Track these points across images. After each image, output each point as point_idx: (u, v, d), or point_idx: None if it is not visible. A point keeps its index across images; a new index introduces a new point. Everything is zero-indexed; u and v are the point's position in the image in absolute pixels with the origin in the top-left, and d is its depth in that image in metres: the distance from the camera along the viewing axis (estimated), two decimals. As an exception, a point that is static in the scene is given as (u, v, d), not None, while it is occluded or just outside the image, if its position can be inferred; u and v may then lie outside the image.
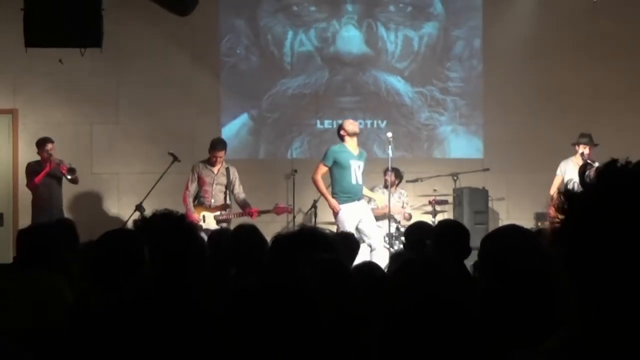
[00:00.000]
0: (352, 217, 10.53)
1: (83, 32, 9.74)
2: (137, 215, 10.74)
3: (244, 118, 13.64)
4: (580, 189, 1.70)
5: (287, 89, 13.66)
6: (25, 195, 12.58)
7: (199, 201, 11.25)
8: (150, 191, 11.18)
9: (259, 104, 13.59)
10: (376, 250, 10.41)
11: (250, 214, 11.15)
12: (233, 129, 13.58)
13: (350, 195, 10.61)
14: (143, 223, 4.26)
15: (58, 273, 4.42)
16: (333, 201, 10.59)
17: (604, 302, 1.69)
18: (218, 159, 11.23)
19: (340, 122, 11.27)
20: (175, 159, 11.34)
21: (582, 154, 11.31)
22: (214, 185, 11.25)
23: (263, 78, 13.62)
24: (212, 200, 11.24)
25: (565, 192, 1.71)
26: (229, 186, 11.37)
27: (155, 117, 13.05)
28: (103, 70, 12.74)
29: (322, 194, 10.86)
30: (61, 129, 12.63)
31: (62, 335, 3.57)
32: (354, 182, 10.66)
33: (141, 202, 10.91)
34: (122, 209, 12.47)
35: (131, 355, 3.34)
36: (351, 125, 10.83)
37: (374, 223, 10.77)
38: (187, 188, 11.19)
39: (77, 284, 4.60)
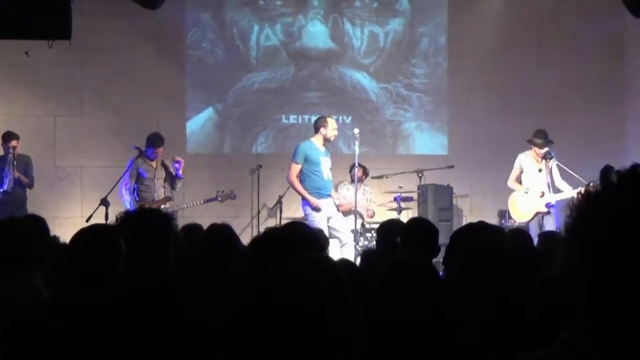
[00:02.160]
0: (322, 213, 10.53)
1: (51, 25, 9.61)
2: (102, 209, 10.65)
3: (209, 112, 13.58)
4: (599, 189, 1.69)
5: (252, 84, 13.62)
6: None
7: (141, 196, 11.25)
8: (115, 185, 11.06)
9: (224, 98, 13.54)
10: (346, 244, 10.43)
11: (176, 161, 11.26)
12: (198, 123, 13.53)
13: (320, 191, 10.60)
14: (124, 217, 4.25)
15: (32, 269, 4.37)
16: (313, 199, 10.52)
17: (615, 304, 1.69)
18: (158, 154, 11.24)
19: (320, 117, 11.22)
20: (141, 152, 11.25)
21: (547, 152, 11.32)
22: (155, 179, 11.26)
23: (228, 72, 13.56)
24: (155, 195, 11.24)
25: (586, 192, 1.70)
26: (167, 179, 11.39)
27: (120, 110, 12.95)
28: (68, 63, 12.61)
29: (301, 194, 10.68)
30: (24, 121, 12.50)
31: (41, 331, 3.52)
32: (325, 178, 10.67)
33: (106, 196, 10.79)
34: (86, 202, 12.35)
35: (111, 351, 3.31)
36: (334, 131, 10.84)
37: (342, 218, 10.82)
38: (126, 184, 11.17)
39: (50, 279, 4.55)
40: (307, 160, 10.62)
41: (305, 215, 10.61)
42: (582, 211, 1.70)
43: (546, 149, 11.31)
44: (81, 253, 4.02)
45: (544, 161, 11.31)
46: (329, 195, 10.78)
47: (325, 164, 10.71)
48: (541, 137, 11.35)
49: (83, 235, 4.12)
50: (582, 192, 1.71)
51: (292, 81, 13.70)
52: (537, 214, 11.24)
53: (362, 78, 13.81)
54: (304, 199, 10.60)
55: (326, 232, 10.31)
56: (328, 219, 10.55)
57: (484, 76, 13.59)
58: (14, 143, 11.71)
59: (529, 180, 11.39)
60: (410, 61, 13.93)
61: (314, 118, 13.46)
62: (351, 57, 13.82)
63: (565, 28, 13.56)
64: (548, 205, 11.16)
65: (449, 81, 13.83)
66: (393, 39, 13.90)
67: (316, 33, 13.77)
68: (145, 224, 4.19)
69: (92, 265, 3.96)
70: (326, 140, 10.78)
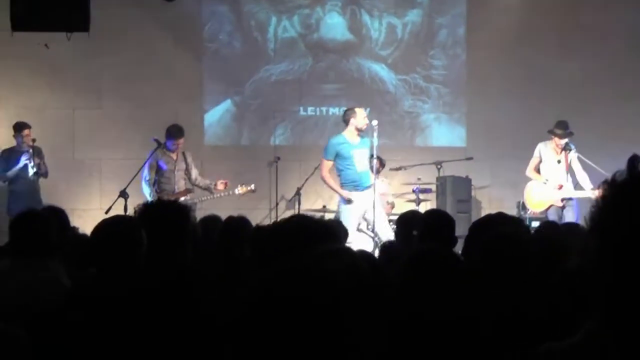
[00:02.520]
0: (355, 206, 10.44)
1: (70, 17, 9.65)
2: (121, 201, 10.67)
3: (227, 104, 13.59)
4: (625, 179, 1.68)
5: (270, 75, 13.61)
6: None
7: (161, 188, 11.26)
8: (134, 177, 11.07)
9: (242, 90, 13.54)
10: (383, 239, 10.26)
11: (225, 185, 11.28)
12: (216, 115, 13.54)
13: (355, 184, 10.51)
14: (143, 209, 4.26)
15: (53, 260, 4.39)
16: (345, 192, 10.48)
17: (637, 296, 1.67)
18: (178, 146, 11.27)
19: (347, 109, 11.07)
20: (160, 145, 11.26)
21: (567, 143, 11.28)
22: (176, 171, 11.28)
23: (246, 64, 13.56)
24: (175, 187, 11.26)
25: (613, 182, 1.68)
26: (187, 171, 11.43)
27: (138, 103, 12.97)
28: (86, 55, 12.64)
29: (332, 189, 10.73)
30: (43, 113, 12.54)
31: (62, 321, 3.54)
32: (358, 170, 10.52)
33: (125, 188, 10.81)
34: (105, 194, 12.38)
35: (131, 341, 3.32)
36: (365, 119, 10.68)
37: (382, 213, 10.63)
38: (145, 176, 11.18)
39: (69, 270, 4.57)
40: (338, 155, 10.54)
41: (338, 207, 10.65)
42: (607, 200, 1.69)
43: (566, 140, 11.28)
44: (103, 244, 4.03)
45: (563, 153, 11.29)
46: (367, 188, 10.47)
47: (359, 156, 10.53)
48: (562, 128, 11.32)
49: (105, 227, 4.11)
50: (608, 180, 1.69)
51: (310, 73, 13.68)
52: (551, 206, 11.23)
53: (380, 69, 13.78)
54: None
55: (353, 227, 10.29)
56: (364, 212, 10.50)
57: (502, 67, 13.54)
58: (27, 132, 11.74)
59: (547, 171, 11.37)
60: (428, 52, 13.88)
61: (332, 110, 13.52)
62: (369, 48, 13.79)
63: (585, 19, 13.47)
64: (563, 199, 11.15)
65: (468, 72, 13.78)
66: (411, 30, 13.86)
67: (334, 25, 13.74)
68: (163, 216, 4.19)
69: (113, 256, 3.96)
70: (358, 130, 10.65)
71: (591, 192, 10.76)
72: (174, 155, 11.32)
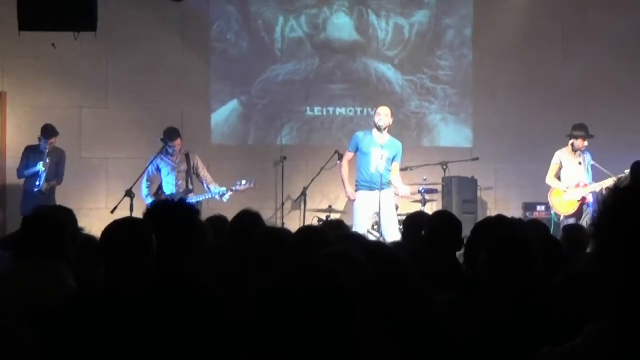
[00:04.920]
0: (365, 206, 10.48)
1: (78, 16, 9.64)
2: (127, 200, 10.71)
3: (233, 104, 13.59)
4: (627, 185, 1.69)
5: (277, 76, 13.62)
6: (13, 178, 12.54)
7: (162, 189, 11.35)
8: (140, 177, 11.12)
9: (249, 90, 13.55)
10: (388, 240, 10.18)
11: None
12: (223, 115, 13.55)
13: (367, 183, 10.54)
14: (152, 210, 4.26)
15: (61, 261, 4.35)
16: (348, 189, 10.68)
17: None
18: (176, 147, 11.34)
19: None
20: (167, 144, 11.30)
21: (580, 148, 11.27)
22: (176, 172, 11.33)
23: (253, 64, 13.57)
24: (175, 188, 11.32)
25: (616, 187, 1.70)
26: (190, 172, 11.50)
27: (145, 102, 12.98)
28: (93, 54, 12.66)
29: (342, 181, 10.85)
30: (50, 112, 12.55)
31: (68, 322, 3.54)
32: (372, 170, 10.48)
33: (131, 188, 10.87)
34: (111, 194, 12.40)
35: (139, 342, 3.32)
36: (378, 117, 10.73)
37: (391, 215, 10.57)
38: (145, 182, 11.27)
39: (76, 271, 4.56)
40: (359, 149, 10.66)
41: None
42: (611, 206, 1.70)
43: (586, 144, 11.26)
44: (113, 248, 3.99)
45: (582, 155, 11.26)
46: (381, 189, 10.36)
47: (377, 156, 10.46)
48: (584, 130, 11.31)
49: (115, 230, 4.06)
50: (611, 187, 1.72)
51: (317, 73, 13.69)
52: (583, 202, 11.16)
53: (387, 70, 13.79)
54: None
55: (362, 227, 10.27)
56: (375, 214, 10.52)
57: (509, 69, 13.55)
58: (53, 140, 11.78)
59: (570, 175, 11.30)
60: (435, 53, 13.89)
61: (339, 110, 13.58)
62: (376, 49, 13.80)
63: (591, 21, 13.48)
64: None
65: (474, 73, 13.79)
66: (418, 31, 13.86)
67: (341, 25, 13.75)
68: (171, 218, 4.19)
69: (123, 260, 3.93)
70: (377, 128, 10.69)
71: (598, 185, 10.86)
72: (174, 157, 11.39)
